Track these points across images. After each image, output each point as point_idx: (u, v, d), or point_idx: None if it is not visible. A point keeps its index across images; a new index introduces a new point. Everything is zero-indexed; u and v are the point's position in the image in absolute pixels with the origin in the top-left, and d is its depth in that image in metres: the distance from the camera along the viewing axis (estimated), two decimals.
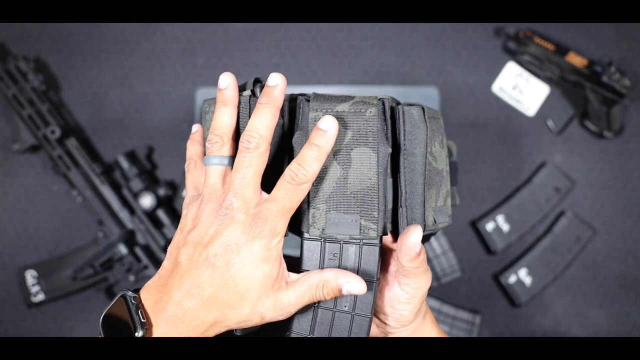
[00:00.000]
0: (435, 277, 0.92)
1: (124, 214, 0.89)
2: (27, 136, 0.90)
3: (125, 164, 0.91)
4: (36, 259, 0.91)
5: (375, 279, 0.38)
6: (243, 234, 0.35)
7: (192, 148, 0.44)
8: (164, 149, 0.96)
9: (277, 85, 0.38)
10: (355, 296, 0.39)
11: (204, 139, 0.43)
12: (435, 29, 0.99)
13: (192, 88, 0.97)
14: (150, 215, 0.90)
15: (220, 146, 0.38)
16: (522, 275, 0.92)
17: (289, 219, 0.37)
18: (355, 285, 0.36)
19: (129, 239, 0.89)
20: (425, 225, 0.39)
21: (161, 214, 0.91)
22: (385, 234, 0.40)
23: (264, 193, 0.37)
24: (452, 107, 0.98)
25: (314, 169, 0.36)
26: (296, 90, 1.03)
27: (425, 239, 0.44)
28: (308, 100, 0.39)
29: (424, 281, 0.40)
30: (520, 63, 0.98)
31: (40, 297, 0.88)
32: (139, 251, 0.89)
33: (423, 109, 0.39)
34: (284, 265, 0.38)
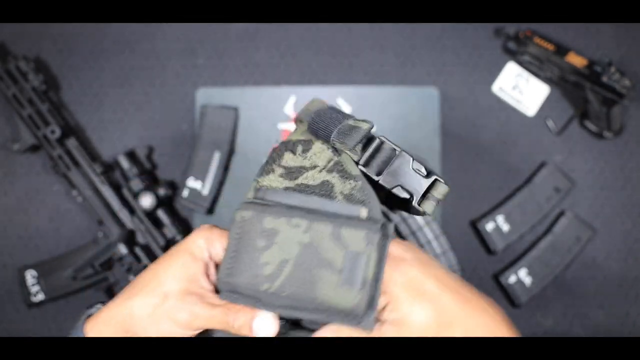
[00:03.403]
0: None
1: (124, 214, 0.89)
2: (27, 136, 0.90)
3: (125, 164, 0.91)
4: (36, 259, 0.91)
5: None
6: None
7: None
8: (164, 149, 0.96)
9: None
10: None
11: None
12: (435, 29, 0.99)
13: (192, 88, 0.97)
14: (150, 215, 0.90)
15: None
16: (522, 275, 0.92)
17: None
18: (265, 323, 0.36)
19: (129, 239, 0.89)
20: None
21: (161, 214, 0.91)
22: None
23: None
24: (452, 107, 0.98)
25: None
26: (297, 90, 1.03)
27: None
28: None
29: None
30: (520, 63, 0.98)
31: (40, 297, 0.88)
32: (139, 251, 0.89)
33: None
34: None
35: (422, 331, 0.34)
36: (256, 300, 0.35)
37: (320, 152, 0.38)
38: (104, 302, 0.41)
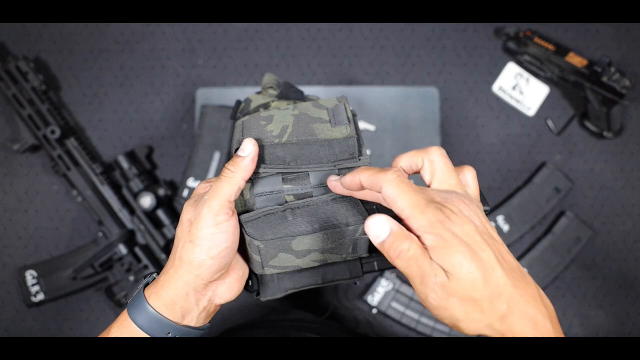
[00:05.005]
0: None
1: (123, 214, 0.89)
2: (27, 136, 0.90)
3: (125, 164, 0.91)
4: (36, 259, 0.91)
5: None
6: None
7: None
8: (164, 149, 0.96)
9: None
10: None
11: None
12: (435, 29, 0.99)
13: (192, 88, 0.97)
14: (150, 215, 0.90)
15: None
16: None
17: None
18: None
19: (129, 239, 0.89)
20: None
21: (161, 214, 0.91)
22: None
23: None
24: (452, 107, 0.98)
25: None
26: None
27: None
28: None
29: (410, 277, 0.35)
30: (520, 63, 0.98)
31: (40, 297, 0.88)
32: (138, 251, 0.89)
33: None
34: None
35: (469, 288, 0.33)
36: (262, 161, 0.42)
37: (283, 104, 0.50)
38: (157, 272, 0.44)
